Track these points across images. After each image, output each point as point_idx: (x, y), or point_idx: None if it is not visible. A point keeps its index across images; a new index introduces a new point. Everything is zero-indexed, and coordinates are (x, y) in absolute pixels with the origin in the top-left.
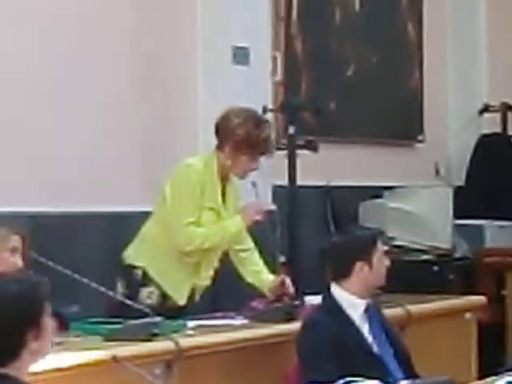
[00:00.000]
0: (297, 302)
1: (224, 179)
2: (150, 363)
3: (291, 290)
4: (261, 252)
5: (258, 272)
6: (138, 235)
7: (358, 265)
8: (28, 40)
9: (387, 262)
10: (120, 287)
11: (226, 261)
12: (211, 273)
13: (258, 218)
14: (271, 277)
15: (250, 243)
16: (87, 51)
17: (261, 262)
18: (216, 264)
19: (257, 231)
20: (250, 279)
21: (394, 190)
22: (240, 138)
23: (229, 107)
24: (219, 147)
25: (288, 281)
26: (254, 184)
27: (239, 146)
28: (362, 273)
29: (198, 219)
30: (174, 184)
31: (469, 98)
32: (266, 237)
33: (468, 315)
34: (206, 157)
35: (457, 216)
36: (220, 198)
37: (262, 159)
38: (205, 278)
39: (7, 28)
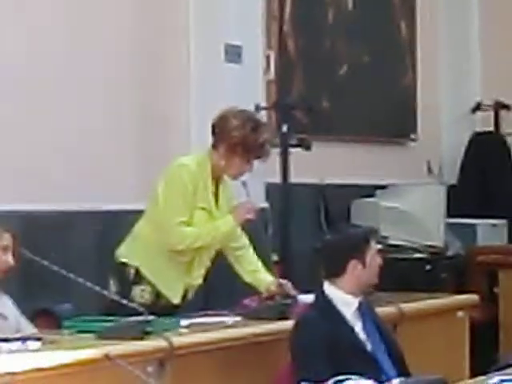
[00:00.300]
0: (289, 301)
1: (217, 179)
2: (142, 361)
3: (292, 292)
4: (254, 250)
5: (255, 271)
6: (130, 233)
7: (352, 263)
8: (28, 40)
9: (380, 261)
10: (113, 285)
11: (218, 259)
12: (203, 272)
13: (249, 216)
14: (269, 277)
15: (244, 241)
16: (85, 51)
17: (257, 260)
18: (208, 263)
19: (249, 230)
20: (247, 278)
21: (386, 189)
22: (236, 140)
23: (226, 107)
24: (214, 147)
25: (289, 284)
26: (244, 183)
27: (235, 148)
28: (355, 271)
29: (189, 219)
30: (167, 183)
31: (462, 97)
32: (258, 235)
33: (460, 313)
34: (199, 156)
35: (449, 214)
36: (213, 198)
37: (256, 161)
38: (197, 277)
39: (7, 28)
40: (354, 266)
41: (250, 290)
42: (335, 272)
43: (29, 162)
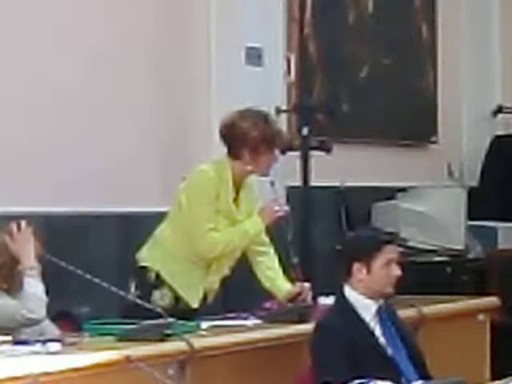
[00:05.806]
0: (309, 303)
1: (237, 185)
2: (163, 363)
3: (309, 299)
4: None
5: (274, 278)
6: (151, 237)
7: (356, 266)
8: (52, 40)
9: (397, 271)
10: (133, 289)
11: (239, 262)
12: (218, 278)
13: (280, 214)
14: (288, 285)
15: (269, 249)
16: (106, 52)
17: (278, 268)
18: (226, 272)
19: (270, 232)
20: (266, 284)
21: (407, 191)
22: (257, 139)
23: (225, 117)
24: (235, 156)
25: (307, 290)
26: (272, 183)
27: (258, 148)
28: (359, 275)
29: (216, 224)
30: (190, 192)
31: (483, 99)
32: (279, 237)
33: (481, 316)
34: (216, 163)
35: (470, 217)
36: (234, 204)
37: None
38: (212, 282)
39: (30, 28)
40: (357, 270)
41: (269, 295)
42: (345, 274)
43: (50, 164)
